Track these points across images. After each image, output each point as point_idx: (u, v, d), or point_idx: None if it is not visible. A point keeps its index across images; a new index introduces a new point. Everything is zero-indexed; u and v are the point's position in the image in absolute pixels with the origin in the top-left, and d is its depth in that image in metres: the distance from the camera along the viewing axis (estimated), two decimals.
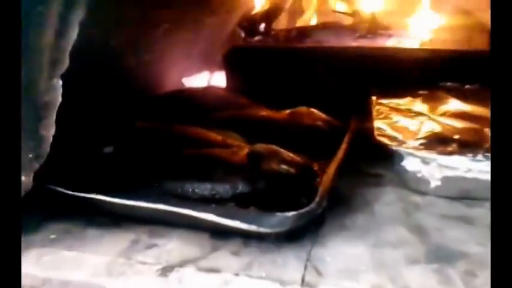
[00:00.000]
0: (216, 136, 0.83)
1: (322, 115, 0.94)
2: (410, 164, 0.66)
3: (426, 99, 0.93)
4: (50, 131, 0.52)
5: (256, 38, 1.32)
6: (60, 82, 0.50)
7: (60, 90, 0.50)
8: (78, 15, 0.47)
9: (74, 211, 0.62)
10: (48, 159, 0.55)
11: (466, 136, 0.69)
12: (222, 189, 0.63)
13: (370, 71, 1.16)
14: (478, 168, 0.62)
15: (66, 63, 0.49)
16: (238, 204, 0.62)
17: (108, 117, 0.91)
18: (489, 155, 0.62)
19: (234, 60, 1.26)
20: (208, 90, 1.24)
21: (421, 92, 1.00)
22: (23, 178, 0.52)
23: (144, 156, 0.73)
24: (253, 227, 0.51)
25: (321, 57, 1.22)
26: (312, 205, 0.55)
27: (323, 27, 1.36)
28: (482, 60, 1.13)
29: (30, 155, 0.51)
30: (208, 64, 1.37)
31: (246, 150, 0.73)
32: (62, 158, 0.64)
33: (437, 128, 0.74)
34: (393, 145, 0.68)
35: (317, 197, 0.57)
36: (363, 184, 0.73)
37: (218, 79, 1.35)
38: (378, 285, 0.48)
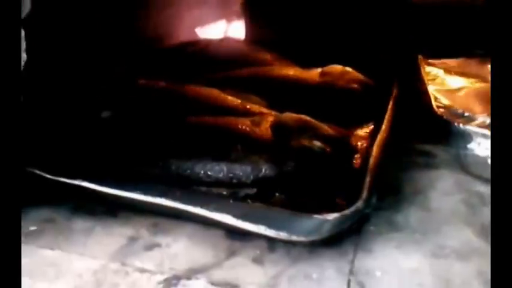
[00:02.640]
0: (233, 100, 0.70)
1: (360, 75, 0.80)
2: (474, 144, 0.52)
3: (487, 60, 0.77)
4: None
5: None
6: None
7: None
8: None
9: (59, 197, 0.50)
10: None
11: None
12: (242, 172, 0.51)
13: (417, 22, 0.98)
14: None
15: None
16: (262, 192, 0.50)
17: (111, 73, 0.78)
18: None
19: (255, 6, 1.09)
20: (225, 42, 1.09)
21: (478, 50, 0.84)
22: None
23: (147, 125, 0.60)
24: (282, 234, 0.39)
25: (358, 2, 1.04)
26: (359, 204, 0.42)
27: None
28: None
29: None
30: (226, 11, 1.21)
31: (270, 119, 0.61)
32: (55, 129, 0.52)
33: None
34: (460, 121, 0.53)
35: (364, 192, 0.44)
36: (413, 166, 0.59)
37: (237, 30, 1.19)
38: None
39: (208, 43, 1.07)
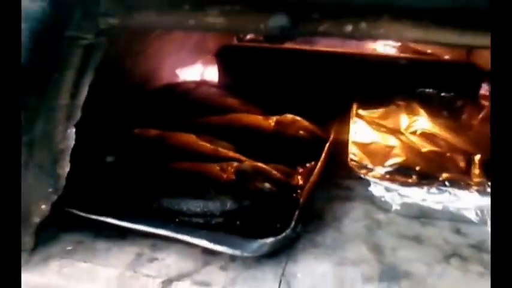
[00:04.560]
0: (207, 146, 0.92)
1: (306, 124, 1.04)
2: (375, 189, 0.77)
3: (402, 111, 1.03)
4: (65, 170, 0.61)
5: (248, 36, 1.38)
6: (74, 130, 0.59)
7: (74, 138, 0.59)
8: (89, 79, 0.55)
9: (83, 225, 0.72)
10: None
11: (426, 167, 0.80)
12: (213, 207, 0.74)
13: (355, 75, 1.25)
14: (432, 199, 0.73)
15: (78, 116, 0.58)
16: (227, 221, 0.73)
17: (109, 121, 1.00)
18: (442, 188, 0.73)
19: (225, 59, 1.33)
20: (201, 86, 1.32)
21: (399, 102, 1.09)
22: (43, 207, 0.62)
23: (143, 171, 0.83)
24: (237, 252, 0.62)
25: (308, 58, 1.30)
26: (288, 231, 0.66)
27: None
28: (458, 70, 1.24)
29: (49, 190, 0.61)
30: (201, 57, 1.44)
31: (234, 166, 0.83)
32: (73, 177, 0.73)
33: (402, 157, 0.84)
34: (362, 173, 0.78)
35: (292, 223, 0.68)
36: (335, 198, 0.84)
37: (211, 72, 1.43)
38: None
39: (187, 87, 1.30)
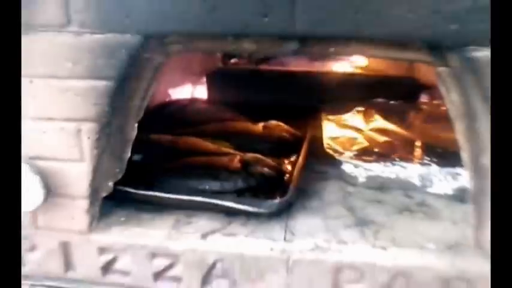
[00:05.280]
0: (213, 146, 1.17)
1: (287, 127, 1.31)
2: (346, 167, 1.04)
3: (361, 115, 1.32)
4: (128, 155, 0.84)
5: (232, 60, 1.65)
6: (136, 125, 0.83)
7: (136, 130, 0.83)
8: (154, 88, 0.79)
9: (128, 201, 0.94)
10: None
11: (382, 150, 1.08)
12: (227, 185, 0.98)
13: (321, 89, 1.54)
14: (388, 171, 1.01)
15: (141, 115, 0.81)
16: (239, 195, 0.97)
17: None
18: (394, 162, 1.01)
19: (214, 80, 1.59)
20: (193, 102, 1.57)
21: (358, 108, 1.38)
22: (109, 184, 0.84)
23: (170, 163, 1.06)
24: (255, 209, 0.87)
25: (283, 77, 1.58)
26: (288, 196, 0.91)
27: None
28: (402, 83, 1.55)
29: (117, 170, 0.84)
30: (191, 78, 1.69)
31: (238, 157, 1.08)
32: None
33: (365, 143, 1.13)
34: (336, 155, 1.05)
35: (290, 191, 0.93)
36: (316, 179, 1.10)
37: (200, 91, 1.68)
38: (327, 239, 0.85)
39: (181, 104, 1.54)
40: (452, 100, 0.73)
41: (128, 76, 0.72)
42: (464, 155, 0.78)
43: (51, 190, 0.79)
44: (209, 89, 1.62)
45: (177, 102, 1.57)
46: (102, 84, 0.73)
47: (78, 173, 0.79)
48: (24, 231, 0.85)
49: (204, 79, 1.63)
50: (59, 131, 0.76)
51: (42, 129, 0.77)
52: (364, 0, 0.66)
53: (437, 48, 0.69)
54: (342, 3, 0.67)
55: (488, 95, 0.65)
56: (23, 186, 0.76)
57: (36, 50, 0.72)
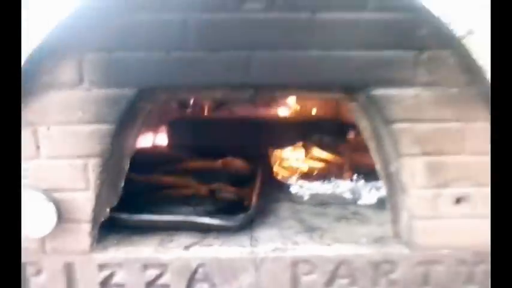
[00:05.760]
0: (182, 181, 1.38)
1: (243, 163, 1.55)
2: (293, 188, 1.30)
3: (302, 149, 1.60)
4: (122, 183, 1.04)
5: (188, 109, 1.89)
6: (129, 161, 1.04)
7: (128, 165, 1.04)
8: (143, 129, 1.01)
9: (119, 227, 1.12)
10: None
11: (320, 172, 1.36)
12: (199, 209, 1.20)
13: (267, 130, 1.81)
14: (325, 188, 1.28)
15: (134, 151, 1.03)
16: (209, 215, 1.18)
17: None
18: (331, 181, 1.29)
19: (174, 128, 1.82)
20: (156, 148, 1.78)
21: (298, 144, 1.67)
22: (107, 210, 1.03)
23: (148, 195, 1.25)
24: (226, 223, 1.09)
25: (233, 123, 1.84)
26: (250, 212, 1.14)
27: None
28: (332, 123, 1.86)
29: (113, 198, 1.03)
30: (153, 129, 1.90)
31: (205, 188, 1.30)
32: None
33: (306, 169, 1.40)
34: (283, 180, 1.31)
35: (251, 209, 1.16)
36: (270, 201, 1.34)
37: (161, 139, 1.89)
38: (284, 242, 1.08)
39: (147, 150, 1.75)
40: (363, 126, 1.02)
41: (125, 121, 0.95)
42: (377, 167, 1.06)
43: (60, 216, 0.96)
44: (169, 136, 1.84)
45: (143, 148, 1.77)
46: (105, 127, 0.95)
47: (83, 200, 0.97)
48: (31, 257, 1.00)
49: (163, 128, 1.85)
50: (69, 166, 0.95)
51: (55, 165, 0.95)
52: (299, 58, 0.95)
53: (348, 90, 0.99)
54: (283, 63, 0.95)
55: (389, 120, 0.95)
56: (38, 214, 0.93)
57: (54, 103, 0.92)
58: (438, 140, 0.99)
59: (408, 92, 0.97)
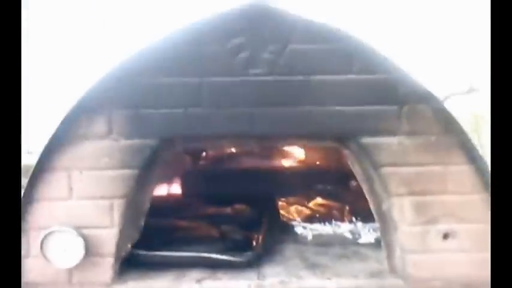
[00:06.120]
0: (195, 224, 1.50)
1: (250, 209, 1.68)
2: (297, 229, 1.42)
3: (306, 196, 1.73)
4: (142, 224, 1.17)
5: (200, 162, 2.05)
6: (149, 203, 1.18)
7: (148, 206, 1.18)
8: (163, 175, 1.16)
9: (137, 264, 1.23)
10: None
11: (322, 215, 1.48)
12: (211, 247, 1.31)
13: (273, 180, 1.95)
14: (326, 230, 1.39)
15: (153, 194, 1.17)
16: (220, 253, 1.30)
17: None
18: (331, 222, 1.40)
19: (187, 179, 1.98)
20: (171, 196, 1.92)
21: (303, 192, 1.80)
22: (128, 246, 1.16)
23: (168, 236, 1.38)
24: (236, 259, 1.20)
25: (243, 173, 1.98)
26: (258, 249, 1.26)
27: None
28: (335, 173, 1.99)
29: (134, 235, 1.16)
30: (168, 181, 2.05)
31: (216, 230, 1.43)
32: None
33: (308, 212, 1.52)
34: (288, 222, 1.43)
35: (259, 247, 1.28)
36: (276, 242, 1.45)
37: (176, 188, 2.04)
38: (289, 276, 1.18)
39: (163, 197, 1.89)
40: (356, 170, 1.16)
41: (147, 167, 1.10)
42: (371, 206, 1.18)
43: (87, 250, 1.09)
44: (183, 185, 1.98)
45: (160, 196, 1.91)
46: (129, 172, 1.10)
47: (108, 236, 1.10)
48: None
49: (178, 179, 2.00)
50: (97, 206, 1.10)
51: (85, 205, 1.09)
52: (297, 113, 1.11)
53: (341, 139, 1.14)
54: (282, 117, 1.11)
55: (377, 164, 1.08)
56: (68, 248, 1.06)
57: (86, 151, 1.09)
58: (422, 182, 1.12)
59: (393, 140, 1.11)
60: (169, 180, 2.03)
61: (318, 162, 2.06)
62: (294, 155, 2.09)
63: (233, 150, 2.11)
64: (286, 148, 2.06)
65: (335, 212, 1.52)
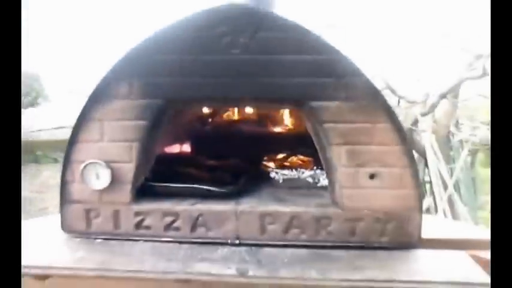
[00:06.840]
0: (197, 172, 1.95)
1: (241, 163, 2.11)
2: (271, 174, 1.85)
3: (287, 156, 2.15)
4: (152, 162, 1.63)
5: (207, 127, 2.49)
6: (158, 148, 1.62)
7: (158, 150, 1.62)
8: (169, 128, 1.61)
9: (149, 192, 1.69)
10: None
11: (291, 164, 1.90)
12: (206, 183, 1.75)
13: (263, 142, 2.37)
14: (292, 174, 1.82)
15: (161, 141, 1.62)
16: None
17: None
18: (297, 169, 1.83)
19: (196, 140, 2.43)
20: (182, 152, 2.38)
21: (285, 153, 2.22)
22: (142, 177, 1.61)
23: (174, 175, 1.83)
24: (221, 190, 1.64)
25: (240, 137, 2.42)
26: (239, 186, 1.69)
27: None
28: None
29: (147, 169, 1.61)
30: (180, 141, 2.50)
31: (210, 175, 1.87)
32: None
33: (288, 164, 1.94)
34: (266, 170, 1.86)
35: (240, 185, 1.71)
36: (256, 185, 1.88)
37: (186, 148, 2.49)
38: (257, 204, 1.61)
39: (178, 153, 2.34)
40: (308, 127, 1.58)
41: (155, 119, 1.54)
42: (319, 154, 1.60)
43: (113, 178, 1.55)
44: (192, 146, 2.44)
45: (172, 153, 2.38)
46: (143, 123, 1.54)
47: (128, 169, 1.56)
48: (93, 205, 1.58)
49: (188, 140, 2.45)
50: (120, 146, 1.55)
51: (112, 146, 1.55)
52: (266, 83, 1.52)
53: (297, 102, 1.55)
54: (254, 85, 1.52)
55: (321, 121, 1.49)
56: (100, 176, 1.53)
57: (114, 107, 1.54)
58: (355, 135, 1.52)
59: (333, 104, 1.51)
60: (181, 141, 2.48)
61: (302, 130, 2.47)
62: (283, 123, 2.50)
63: (234, 118, 2.54)
64: (277, 116, 2.48)
65: (302, 163, 1.94)
